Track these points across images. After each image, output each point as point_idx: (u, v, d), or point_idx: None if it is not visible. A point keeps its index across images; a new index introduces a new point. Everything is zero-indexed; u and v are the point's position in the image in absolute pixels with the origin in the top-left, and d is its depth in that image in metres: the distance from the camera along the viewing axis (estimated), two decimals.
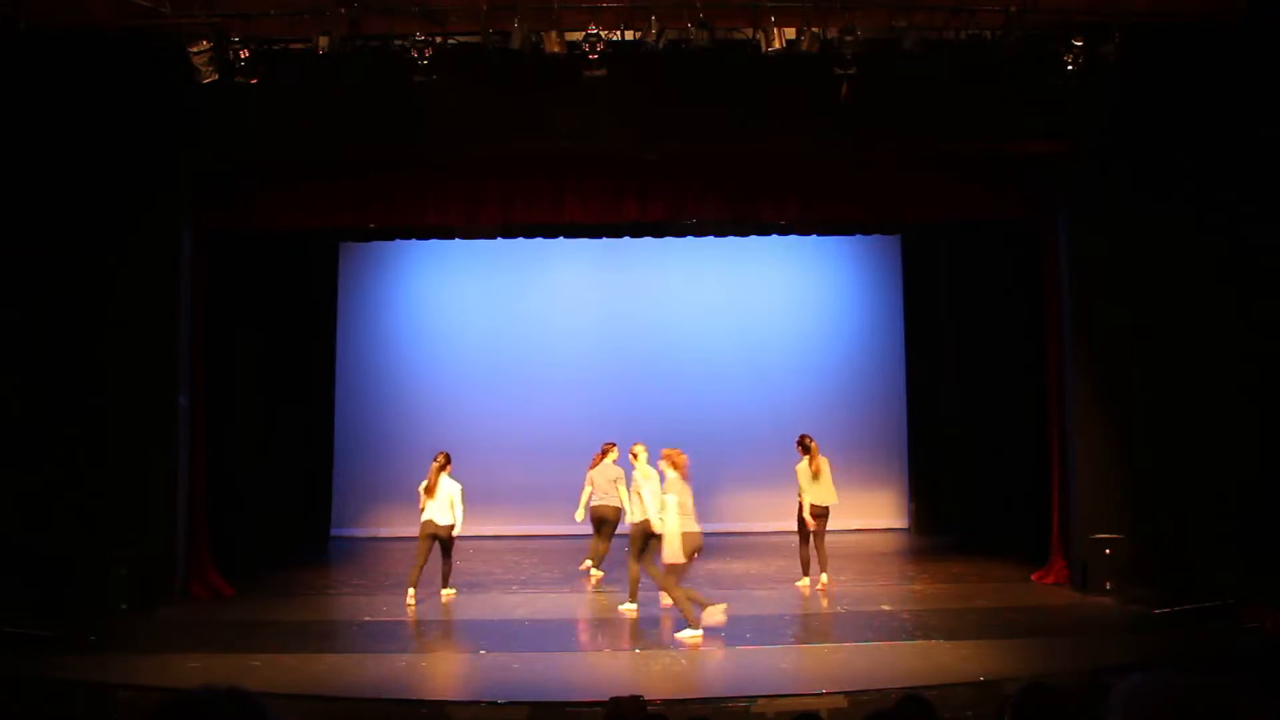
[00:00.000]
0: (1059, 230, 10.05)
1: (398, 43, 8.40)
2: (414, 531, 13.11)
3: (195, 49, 8.07)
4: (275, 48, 8.63)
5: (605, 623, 9.22)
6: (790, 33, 8.34)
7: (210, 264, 10.15)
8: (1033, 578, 10.23)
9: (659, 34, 8.25)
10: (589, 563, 10.70)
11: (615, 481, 10.35)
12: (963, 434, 13.10)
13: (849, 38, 8.24)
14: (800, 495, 10.07)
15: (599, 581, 10.52)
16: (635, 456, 9.60)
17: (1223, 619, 8.37)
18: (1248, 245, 9.38)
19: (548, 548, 11.19)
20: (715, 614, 8.30)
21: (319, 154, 9.78)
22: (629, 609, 9.15)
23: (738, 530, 12.13)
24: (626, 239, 12.44)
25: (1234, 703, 1.59)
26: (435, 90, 8.38)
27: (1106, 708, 1.68)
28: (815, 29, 8.26)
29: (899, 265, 14.02)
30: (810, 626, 8.86)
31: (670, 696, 6.49)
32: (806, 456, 10.05)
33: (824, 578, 10.01)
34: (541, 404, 13.60)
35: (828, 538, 10.17)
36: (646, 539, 8.98)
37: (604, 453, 10.60)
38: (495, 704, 6.64)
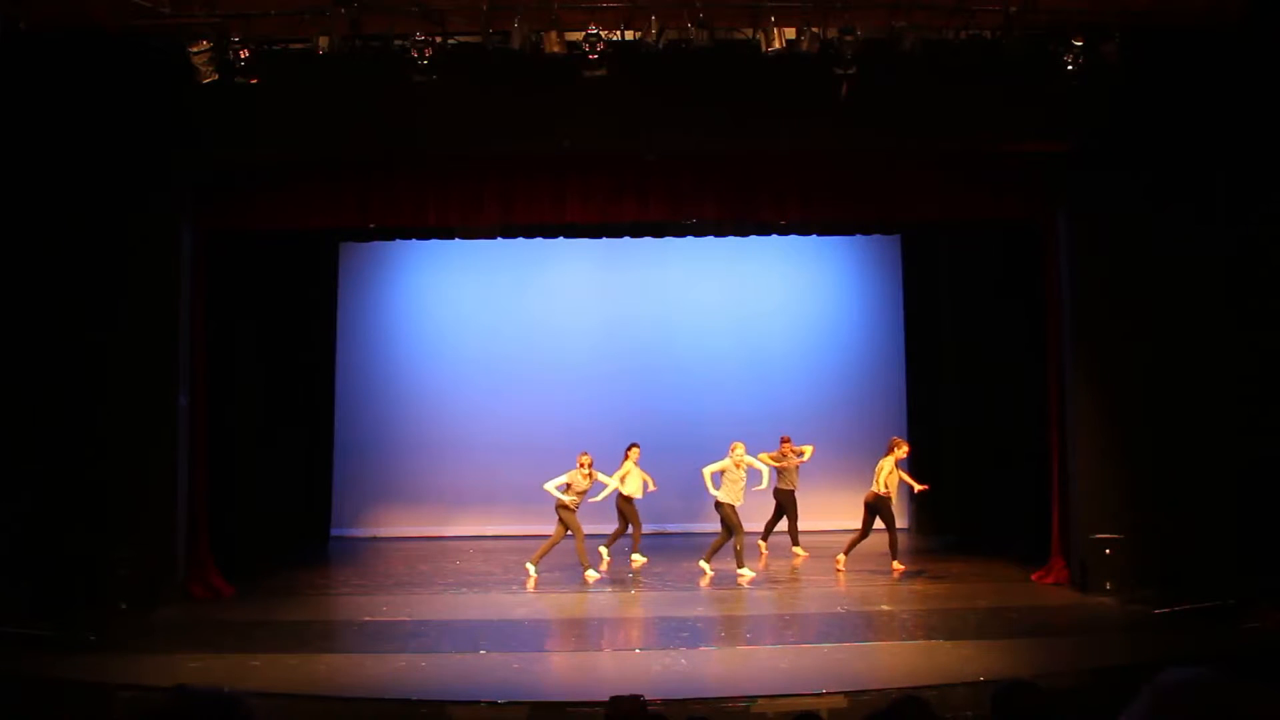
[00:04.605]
0: (1059, 230, 10.05)
1: (398, 43, 8.39)
2: (413, 531, 13.35)
3: (195, 49, 8.07)
4: (275, 48, 8.62)
5: (605, 622, 9.23)
6: (790, 33, 8.33)
7: (210, 264, 10.15)
8: (1033, 578, 10.23)
9: (659, 34, 8.24)
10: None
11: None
12: (962, 434, 13.10)
13: (849, 38, 8.23)
14: (890, 488, 10.76)
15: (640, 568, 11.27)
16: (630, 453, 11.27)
17: (1223, 619, 8.37)
18: (1247, 245, 9.38)
19: None
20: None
21: (319, 154, 9.78)
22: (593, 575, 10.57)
23: None
24: (626, 239, 12.43)
25: (1268, 704, 1.59)
26: (435, 90, 8.37)
27: (1133, 699, 1.68)
28: (815, 29, 8.26)
29: (899, 265, 14.00)
30: (810, 626, 8.86)
31: (670, 696, 6.49)
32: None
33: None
34: (541, 404, 13.60)
35: (840, 534, 11.47)
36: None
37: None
38: (495, 704, 6.65)
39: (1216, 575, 8.81)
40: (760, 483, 11.22)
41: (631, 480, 11.20)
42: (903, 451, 10.92)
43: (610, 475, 11.08)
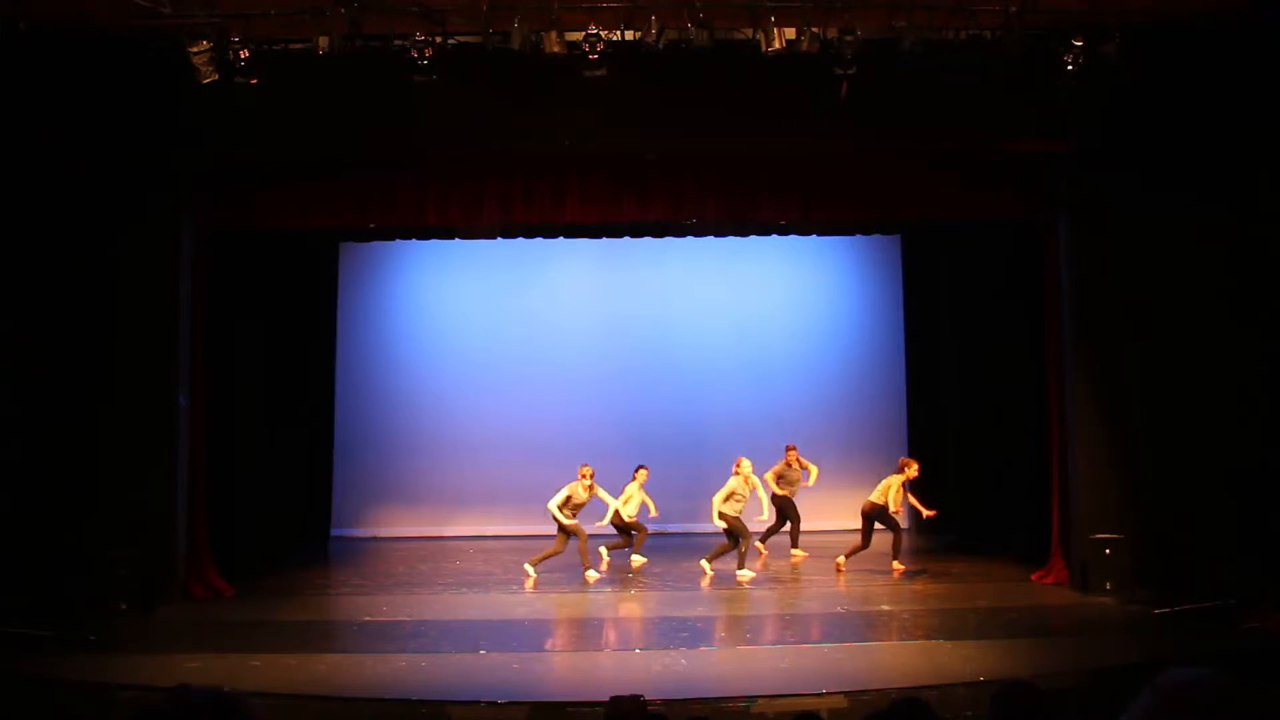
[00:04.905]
0: (1059, 230, 10.04)
1: (398, 43, 8.39)
2: (413, 531, 13.35)
3: (195, 49, 8.07)
4: (275, 48, 8.63)
5: (605, 622, 9.23)
6: (790, 33, 8.32)
7: (210, 264, 10.15)
8: (1033, 578, 10.23)
9: (659, 34, 8.24)
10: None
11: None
12: (963, 434, 13.09)
13: (849, 38, 8.23)
14: (894, 502, 10.71)
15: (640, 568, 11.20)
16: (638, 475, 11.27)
17: (1223, 619, 8.37)
18: (1247, 245, 9.38)
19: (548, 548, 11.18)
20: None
21: (319, 154, 9.77)
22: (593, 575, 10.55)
23: None
24: (626, 239, 12.43)
25: (1268, 704, 1.59)
26: (435, 90, 8.37)
27: (1134, 699, 1.68)
28: (815, 29, 8.25)
29: (899, 265, 14.01)
30: (810, 626, 8.87)
31: (670, 696, 6.49)
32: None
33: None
34: (541, 404, 13.60)
35: (840, 535, 11.62)
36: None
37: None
38: (495, 704, 6.65)
39: (1216, 575, 8.80)
40: (762, 513, 11.25)
41: (632, 504, 11.17)
42: (912, 471, 10.75)
43: (609, 488, 11.01)
